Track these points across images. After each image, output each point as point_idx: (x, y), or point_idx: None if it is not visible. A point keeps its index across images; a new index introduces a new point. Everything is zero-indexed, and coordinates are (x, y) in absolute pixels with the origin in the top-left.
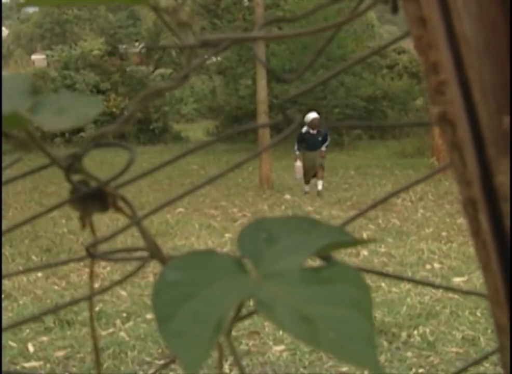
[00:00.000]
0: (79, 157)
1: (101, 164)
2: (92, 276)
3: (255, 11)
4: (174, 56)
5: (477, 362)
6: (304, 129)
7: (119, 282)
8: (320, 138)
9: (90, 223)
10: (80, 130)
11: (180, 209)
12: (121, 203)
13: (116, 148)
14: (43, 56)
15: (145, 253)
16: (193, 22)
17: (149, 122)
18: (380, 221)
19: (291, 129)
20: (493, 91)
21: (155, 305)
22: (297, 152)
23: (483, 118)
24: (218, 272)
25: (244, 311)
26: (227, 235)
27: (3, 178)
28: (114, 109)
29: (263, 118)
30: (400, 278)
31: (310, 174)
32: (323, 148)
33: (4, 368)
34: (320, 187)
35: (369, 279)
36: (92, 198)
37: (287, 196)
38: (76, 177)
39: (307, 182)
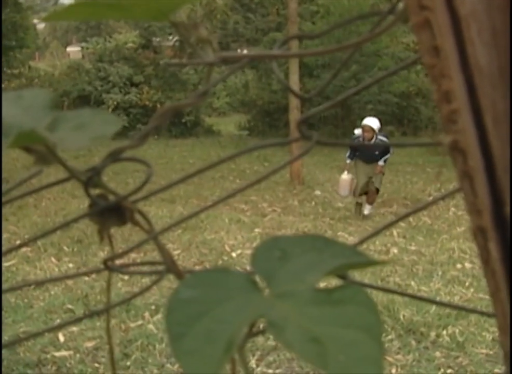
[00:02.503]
0: (98, 172)
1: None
2: (109, 287)
3: (289, 6)
4: None
5: None
6: (356, 132)
7: (136, 295)
8: (377, 151)
9: (108, 236)
10: None
11: (210, 203)
12: (139, 217)
13: (148, 141)
14: (78, 48)
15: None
16: (213, 38)
17: (181, 116)
18: (411, 219)
19: (308, 148)
20: (506, 119)
21: (168, 322)
22: (348, 161)
23: (495, 147)
24: (231, 290)
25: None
26: (256, 230)
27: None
28: (147, 102)
29: (294, 113)
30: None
31: (361, 190)
32: (381, 163)
33: (35, 356)
34: (366, 211)
35: (399, 277)
36: (110, 212)
37: (318, 192)
38: (95, 192)
39: (366, 202)
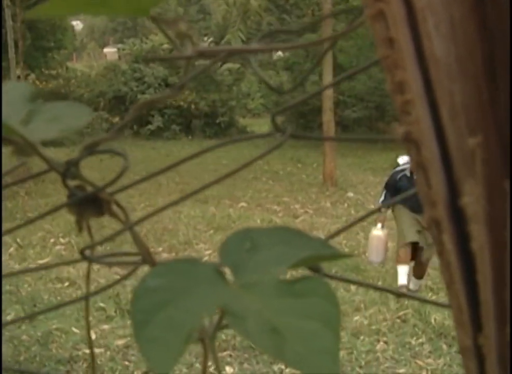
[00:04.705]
0: (75, 163)
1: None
2: (88, 277)
3: (323, 7)
4: None
5: None
6: (401, 162)
7: (114, 284)
8: None
9: (87, 226)
10: (148, 122)
11: (243, 204)
12: (116, 208)
13: (182, 141)
14: (115, 50)
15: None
16: (193, 33)
17: (216, 116)
18: None
19: (281, 142)
20: (464, 111)
21: (133, 310)
22: (383, 210)
23: (451, 138)
24: (198, 280)
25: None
26: None
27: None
28: (182, 103)
29: (328, 114)
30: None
31: (412, 256)
32: None
33: (67, 353)
34: (412, 286)
35: (431, 281)
36: (88, 203)
37: (351, 194)
38: (73, 183)
39: (412, 273)
